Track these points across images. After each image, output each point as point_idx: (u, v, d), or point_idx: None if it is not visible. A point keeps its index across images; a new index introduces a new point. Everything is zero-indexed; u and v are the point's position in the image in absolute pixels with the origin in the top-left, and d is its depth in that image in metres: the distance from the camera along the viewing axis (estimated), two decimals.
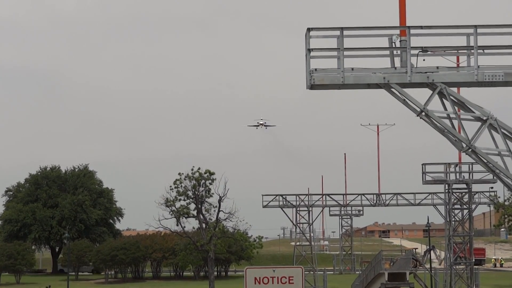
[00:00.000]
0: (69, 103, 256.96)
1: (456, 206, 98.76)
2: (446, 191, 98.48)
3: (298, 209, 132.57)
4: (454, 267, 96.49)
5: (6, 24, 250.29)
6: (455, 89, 35.31)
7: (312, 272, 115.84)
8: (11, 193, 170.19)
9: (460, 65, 35.31)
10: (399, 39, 34.44)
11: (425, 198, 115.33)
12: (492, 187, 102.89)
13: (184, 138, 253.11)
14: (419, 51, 34.64)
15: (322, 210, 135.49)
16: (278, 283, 15.89)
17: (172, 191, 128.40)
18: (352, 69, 34.46)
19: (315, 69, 34.33)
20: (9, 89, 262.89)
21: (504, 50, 34.79)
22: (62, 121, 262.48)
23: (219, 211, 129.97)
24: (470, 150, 35.49)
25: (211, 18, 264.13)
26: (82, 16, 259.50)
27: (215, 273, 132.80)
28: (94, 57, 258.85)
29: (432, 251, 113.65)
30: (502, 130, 34.88)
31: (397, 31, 34.56)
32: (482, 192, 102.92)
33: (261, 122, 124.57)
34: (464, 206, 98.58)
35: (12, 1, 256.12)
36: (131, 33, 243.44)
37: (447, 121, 34.98)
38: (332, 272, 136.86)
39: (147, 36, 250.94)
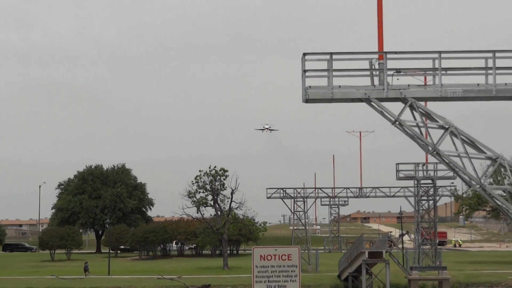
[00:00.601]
0: (110, 114, 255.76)
1: (423, 198, 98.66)
2: (415, 185, 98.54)
3: (295, 200, 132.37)
4: (421, 247, 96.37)
5: (60, 51, 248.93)
6: (423, 103, 35.49)
7: (306, 251, 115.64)
8: (63, 186, 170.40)
9: (427, 83, 35.56)
10: (377, 62, 34.83)
11: (398, 191, 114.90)
12: (452, 182, 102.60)
13: (204, 141, 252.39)
14: (394, 72, 35.01)
15: (315, 201, 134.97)
16: (279, 259, 16.10)
17: (193, 185, 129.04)
18: (339, 86, 34.86)
19: (309, 86, 34.81)
20: (62, 102, 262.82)
21: (462, 71, 35.06)
22: (104, 128, 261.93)
23: (231, 201, 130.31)
24: (435, 152, 35.86)
25: (227, 45, 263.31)
26: (121, 44, 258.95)
27: (228, 251, 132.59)
28: (130, 77, 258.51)
29: (406, 235, 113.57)
30: (461, 136, 35.22)
31: (376, 56, 34.93)
32: (445, 186, 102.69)
33: (266, 127, 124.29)
34: (430, 198, 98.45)
35: (64, 32, 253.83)
36: (160, 57, 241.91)
37: (416, 129, 35.34)
38: (323, 251, 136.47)
39: (175, 58, 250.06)
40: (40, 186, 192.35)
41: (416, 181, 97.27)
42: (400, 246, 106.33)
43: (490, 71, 34.79)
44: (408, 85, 35.20)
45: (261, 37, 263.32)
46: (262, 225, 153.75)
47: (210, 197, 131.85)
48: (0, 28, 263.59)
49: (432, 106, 35.87)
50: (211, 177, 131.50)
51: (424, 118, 35.39)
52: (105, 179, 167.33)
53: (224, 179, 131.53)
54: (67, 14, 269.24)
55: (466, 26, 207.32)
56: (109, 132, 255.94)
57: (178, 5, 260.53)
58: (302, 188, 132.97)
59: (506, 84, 34.97)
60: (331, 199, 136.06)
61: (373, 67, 34.96)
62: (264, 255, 14.78)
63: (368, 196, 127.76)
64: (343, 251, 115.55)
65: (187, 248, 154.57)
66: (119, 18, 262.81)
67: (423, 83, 35.71)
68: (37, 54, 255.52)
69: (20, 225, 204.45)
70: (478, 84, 35.10)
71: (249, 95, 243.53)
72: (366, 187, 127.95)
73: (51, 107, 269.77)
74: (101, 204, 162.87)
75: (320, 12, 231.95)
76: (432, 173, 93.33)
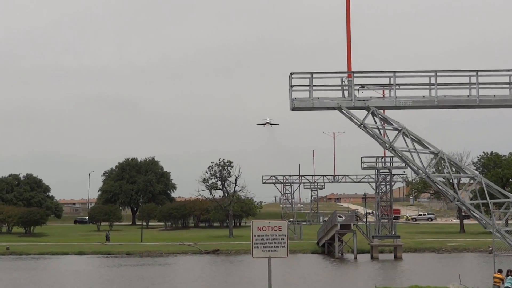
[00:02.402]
0: (142, 118, 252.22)
1: (382, 183, 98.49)
2: (376, 173, 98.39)
3: (284, 184, 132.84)
4: (380, 221, 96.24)
5: (105, 71, 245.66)
6: (382, 111, 35.41)
7: (293, 224, 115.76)
8: (107, 174, 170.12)
9: (385, 95, 35.52)
10: (347, 80, 34.81)
11: (363, 178, 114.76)
12: (404, 171, 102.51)
13: (214, 139, 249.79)
14: (359, 87, 34.99)
15: (299, 185, 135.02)
16: (272, 230, 16.08)
17: (207, 173, 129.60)
18: (318, 98, 34.84)
19: (295, 98, 34.88)
20: (106, 110, 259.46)
21: (412, 86, 35.06)
22: (137, 129, 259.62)
23: (235, 186, 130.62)
24: (391, 148, 35.81)
25: (232, 67, 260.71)
26: (150, 66, 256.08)
27: (233, 223, 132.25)
28: (157, 91, 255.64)
29: (371, 214, 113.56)
30: (410, 136, 35.18)
31: (346, 75, 34.90)
32: (398, 174, 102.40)
33: (267, 121, 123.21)
34: (387, 183, 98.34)
35: (107, 56, 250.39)
36: (179, 76, 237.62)
37: (376, 131, 35.29)
38: (305, 224, 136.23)
39: (190, 77, 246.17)
40: (89, 174, 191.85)
41: (376, 170, 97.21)
42: (364, 220, 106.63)
43: (433, 87, 34.81)
44: (370, 97, 35.19)
45: (257, 61, 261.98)
46: (259, 204, 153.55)
47: (219, 182, 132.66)
48: (61, 54, 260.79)
49: (388, 113, 35.74)
50: (220, 167, 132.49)
51: (382, 122, 35.36)
52: (139, 168, 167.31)
53: (230, 168, 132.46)
54: (110, 42, 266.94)
55: (416, 50, 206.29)
56: (141, 133, 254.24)
57: (194, 38, 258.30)
58: (289, 175, 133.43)
59: (445, 96, 35.00)
60: (311, 184, 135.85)
61: (343, 83, 35.02)
62: (260, 227, 14.74)
63: (339, 182, 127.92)
64: (321, 223, 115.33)
65: (201, 221, 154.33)
66: (149, 46, 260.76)
67: (381, 95, 35.69)
68: (88, 74, 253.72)
69: (74, 204, 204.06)
70: (423, 96, 35.10)
71: (249, 105, 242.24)
72: (338, 175, 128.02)
73: (99, 114, 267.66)
74: (135, 188, 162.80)
75: (304, 40, 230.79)
76: (388, 164, 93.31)
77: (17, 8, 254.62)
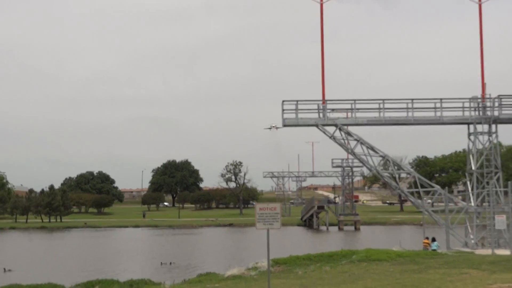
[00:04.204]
0: (179, 130, 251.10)
1: (346, 177, 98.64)
2: (342, 170, 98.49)
3: (279, 178, 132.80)
4: (345, 203, 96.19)
5: (151, 98, 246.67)
6: (345, 127, 35.45)
7: (284, 205, 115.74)
8: (154, 170, 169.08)
9: (348, 116, 35.55)
10: (321, 105, 34.88)
11: (333, 173, 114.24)
12: (361, 169, 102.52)
13: (229, 145, 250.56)
14: (331, 110, 35.06)
15: (288, 178, 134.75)
16: (269, 210, 16.04)
17: (224, 170, 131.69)
18: (301, 118, 34.85)
19: (286, 118, 34.83)
20: (154, 126, 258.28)
21: (368, 111, 35.12)
22: (176, 138, 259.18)
23: (244, 178, 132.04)
24: (352, 152, 35.79)
25: (239, 95, 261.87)
26: (185, 94, 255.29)
27: (243, 205, 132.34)
28: (190, 111, 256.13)
29: (337, 199, 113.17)
30: (365, 144, 35.18)
31: (321, 102, 34.99)
32: (357, 171, 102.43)
33: (273, 125, 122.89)
34: (349, 177, 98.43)
35: (154, 87, 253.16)
36: (206, 101, 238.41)
37: (342, 141, 35.33)
38: (292, 205, 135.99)
39: (212, 104, 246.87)
40: (142, 171, 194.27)
41: (342, 168, 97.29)
42: (334, 203, 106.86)
43: (381, 110, 34.93)
44: (338, 117, 35.29)
45: (258, 91, 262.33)
46: (260, 191, 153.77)
47: (233, 177, 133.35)
48: (123, 86, 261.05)
49: (350, 128, 35.78)
50: (233, 166, 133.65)
51: (346, 135, 35.44)
52: (177, 167, 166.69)
53: (240, 167, 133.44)
54: (156, 76, 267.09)
55: (369, 84, 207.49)
56: (178, 141, 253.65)
57: (213, 75, 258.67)
58: (281, 171, 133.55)
59: (390, 117, 35.08)
60: (297, 178, 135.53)
61: (319, 108, 35.12)
62: (261, 207, 14.86)
63: (316, 176, 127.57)
64: (303, 205, 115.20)
65: (220, 204, 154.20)
66: (183, 80, 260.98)
67: (345, 116, 35.74)
68: (140, 100, 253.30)
69: (132, 192, 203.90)
70: (375, 117, 35.18)
71: (252, 124, 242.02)
72: (315, 171, 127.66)
73: (148, 128, 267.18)
74: (174, 180, 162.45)
75: (292, 78, 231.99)
76: (350, 164, 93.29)
77: (94, 52, 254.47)
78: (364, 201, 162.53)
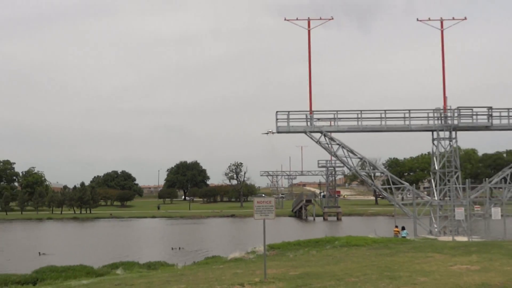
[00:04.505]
0: (190, 136, 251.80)
1: (330, 176, 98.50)
2: (327, 170, 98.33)
3: (273, 177, 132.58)
4: (329, 198, 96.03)
5: (168, 109, 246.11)
6: (329, 134, 35.42)
7: (278, 199, 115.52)
8: (168, 170, 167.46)
9: (332, 124, 35.49)
10: (309, 115, 34.82)
11: (319, 172, 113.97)
12: (342, 168, 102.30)
13: (231, 149, 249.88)
14: (316, 120, 35.00)
15: (281, 177, 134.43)
16: (265, 203, 15.89)
17: (228, 169, 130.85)
18: (292, 126, 34.78)
19: (279, 126, 34.75)
20: (169, 132, 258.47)
21: (348, 120, 35.07)
22: (187, 143, 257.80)
23: (244, 177, 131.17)
24: (334, 155, 35.72)
25: (240, 106, 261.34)
26: (194, 106, 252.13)
27: (243, 199, 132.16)
28: (199, 121, 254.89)
29: (323, 194, 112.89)
30: (346, 148, 35.11)
31: (308, 112, 34.92)
32: (339, 170, 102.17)
33: (270, 130, 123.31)
34: (332, 175, 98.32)
35: (168, 100, 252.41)
36: (213, 112, 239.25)
37: (326, 145, 35.24)
38: (284, 199, 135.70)
39: (218, 115, 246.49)
40: (159, 170, 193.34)
41: (326, 168, 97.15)
42: (319, 197, 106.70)
43: (359, 120, 34.89)
44: (323, 125, 35.22)
45: (255, 103, 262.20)
46: (258, 187, 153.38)
47: (235, 175, 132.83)
48: (142, 99, 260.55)
49: (334, 135, 35.75)
50: (235, 166, 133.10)
51: (330, 140, 35.38)
52: (188, 167, 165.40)
53: (241, 167, 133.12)
54: (170, 91, 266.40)
55: (350, 98, 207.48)
56: (189, 145, 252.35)
57: (218, 91, 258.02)
58: (276, 171, 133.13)
59: (366, 125, 35.04)
60: (289, 176, 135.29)
61: (307, 118, 35.03)
62: (259, 201, 14.77)
63: (305, 174, 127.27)
64: (294, 199, 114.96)
65: (224, 198, 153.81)
66: (193, 92, 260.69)
67: (329, 124, 35.69)
68: (156, 111, 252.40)
69: (150, 187, 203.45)
70: (354, 125, 35.13)
71: (251, 131, 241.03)
72: (304, 170, 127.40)
73: (164, 134, 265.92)
74: (185, 178, 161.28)
75: (284, 92, 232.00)
76: (333, 164, 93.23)
77: (119, 71, 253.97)
78: (345, 196, 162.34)
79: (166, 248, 42.62)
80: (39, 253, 38.72)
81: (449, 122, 35.05)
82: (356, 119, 35.07)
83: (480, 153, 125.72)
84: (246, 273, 15.63)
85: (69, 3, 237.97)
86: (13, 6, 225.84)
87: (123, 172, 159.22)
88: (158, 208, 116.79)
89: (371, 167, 37.13)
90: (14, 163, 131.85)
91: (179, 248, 41.06)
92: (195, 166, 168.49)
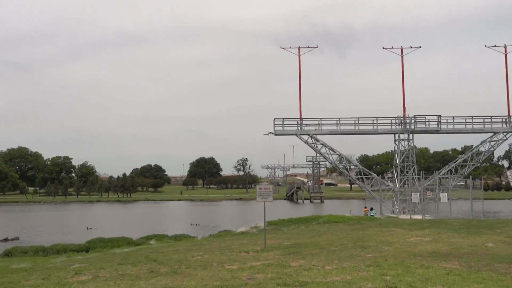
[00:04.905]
0: (206, 138, 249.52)
1: (315, 169, 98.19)
2: (313, 163, 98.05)
3: (271, 169, 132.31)
4: (314, 185, 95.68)
5: (188, 116, 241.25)
6: (315, 136, 35.33)
7: (275, 186, 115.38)
8: (191, 164, 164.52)
9: (317, 128, 35.40)
10: (299, 121, 34.67)
11: (307, 165, 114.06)
12: (325, 162, 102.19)
13: (238, 147, 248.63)
14: (305, 125, 34.88)
15: (278, 169, 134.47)
16: (266, 189, 15.80)
17: (237, 163, 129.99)
18: (286, 129, 34.67)
19: (276, 130, 34.64)
20: (189, 134, 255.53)
21: (329, 125, 34.98)
22: (204, 143, 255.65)
23: (249, 169, 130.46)
24: (319, 152, 35.60)
25: (246, 115, 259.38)
26: (209, 114, 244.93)
27: (248, 186, 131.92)
28: (214, 126, 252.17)
29: (309, 182, 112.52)
30: (328, 147, 34.99)
31: (298, 119, 34.80)
32: (323, 164, 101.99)
33: (270, 132, 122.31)
34: (317, 168, 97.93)
35: (190, 109, 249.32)
36: (225, 120, 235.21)
37: (313, 145, 35.14)
38: (280, 186, 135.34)
39: (228, 123, 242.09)
40: (183, 164, 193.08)
41: (312, 162, 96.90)
42: (307, 185, 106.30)
43: (338, 125, 34.76)
44: (310, 129, 35.15)
45: (257, 112, 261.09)
46: (260, 177, 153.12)
47: (242, 168, 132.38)
48: (170, 109, 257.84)
49: (319, 137, 35.64)
50: (242, 161, 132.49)
51: (315, 141, 35.30)
52: (205, 161, 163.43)
53: (246, 161, 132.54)
54: (191, 102, 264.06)
55: (330, 107, 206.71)
56: (206, 145, 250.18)
57: (225, 103, 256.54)
58: (272, 165, 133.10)
59: (344, 129, 34.94)
60: (283, 168, 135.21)
61: (298, 123, 34.94)
62: (261, 187, 14.69)
63: (296, 167, 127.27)
64: (287, 186, 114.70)
65: (233, 185, 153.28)
66: (209, 104, 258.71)
67: (315, 128, 35.62)
68: (181, 118, 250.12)
69: (176, 177, 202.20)
70: (334, 129, 35.01)
71: (255, 134, 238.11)
72: (295, 164, 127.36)
73: (186, 137, 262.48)
74: (203, 170, 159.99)
75: (281, 100, 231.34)
76: (318, 159, 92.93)
77: (151, 87, 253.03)
78: (327, 184, 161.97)
79: (188, 224, 42.62)
80: (87, 227, 38.74)
81: (408, 127, 35.00)
82: (335, 124, 35.01)
83: (431, 151, 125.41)
84: (250, 243, 15.65)
85: (114, 37, 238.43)
86: (75, 38, 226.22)
87: (155, 165, 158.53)
88: (181, 193, 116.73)
89: (347, 162, 37.11)
90: (72, 159, 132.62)
91: (196, 224, 41.05)
92: (211, 160, 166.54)
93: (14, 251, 21.67)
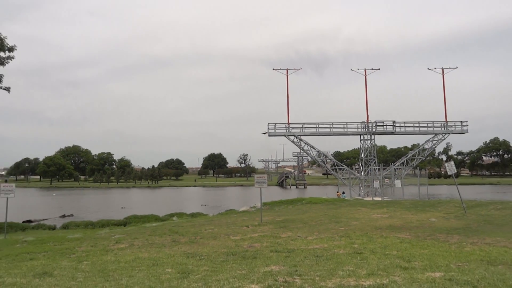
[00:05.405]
0: (218, 137, 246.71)
1: (300, 162, 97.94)
2: (298, 158, 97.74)
3: (266, 162, 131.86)
4: (299, 174, 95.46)
5: (205, 122, 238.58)
6: (300, 136, 35.14)
7: (269, 176, 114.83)
8: (203, 158, 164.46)
9: (301, 131, 35.24)
10: (287, 125, 34.47)
11: (293, 159, 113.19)
12: (307, 157, 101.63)
13: (240, 145, 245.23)
14: (292, 128, 34.71)
15: (271, 162, 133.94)
16: (262, 178, 15.64)
17: (239, 158, 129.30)
18: (277, 131, 34.49)
19: (269, 131, 34.41)
20: (204, 135, 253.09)
21: (310, 128, 34.81)
22: (215, 141, 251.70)
23: (249, 162, 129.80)
24: (302, 149, 35.44)
25: (246, 120, 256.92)
26: (219, 120, 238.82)
27: (248, 175, 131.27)
28: (225, 129, 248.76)
29: (295, 172, 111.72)
30: (309, 145, 34.79)
31: (287, 123, 34.61)
32: (305, 158, 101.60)
33: (265, 132, 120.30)
34: (301, 161, 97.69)
35: (210, 116, 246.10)
36: (234, 123, 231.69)
37: (298, 143, 34.97)
38: (273, 175, 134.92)
39: (236, 125, 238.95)
40: (198, 158, 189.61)
41: (297, 156, 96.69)
42: (293, 174, 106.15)
43: (317, 128, 34.65)
44: (296, 132, 34.95)
45: (255, 118, 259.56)
46: (257, 168, 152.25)
47: (243, 161, 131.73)
48: (187, 116, 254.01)
49: (302, 137, 35.39)
50: (243, 156, 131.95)
51: (299, 141, 35.17)
52: (215, 157, 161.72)
53: (247, 156, 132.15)
54: (205, 110, 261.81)
55: (312, 114, 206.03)
56: (216, 144, 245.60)
57: (233, 110, 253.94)
58: (267, 159, 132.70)
59: (322, 131, 34.79)
60: (275, 161, 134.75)
61: (286, 127, 34.78)
62: (258, 176, 14.58)
63: (285, 160, 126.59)
64: (278, 176, 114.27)
65: (237, 175, 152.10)
66: (218, 111, 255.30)
67: (299, 130, 35.47)
68: (196, 123, 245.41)
69: (193, 169, 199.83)
70: (314, 131, 34.86)
71: (253, 134, 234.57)
72: (285, 158, 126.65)
73: (201, 137, 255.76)
74: (214, 163, 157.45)
75: (273, 109, 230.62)
76: (302, 155, 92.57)
77: (173, 99, 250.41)
78: (309, 174, 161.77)
79: (200, 204, 42.50)
80: (121, 207, 38.62)
81: (370, 129, 35.02)
82: (315, 128, 34.87)
83: (388, 148, 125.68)
84: (250, 219, 15.64)
85: (145, 61, 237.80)
86: (116, 62, 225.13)
87: (177, 159, 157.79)
88: (195, 181, 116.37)
89: (324, 156, 37.05)
90: (113, 154, 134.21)
91: (205, 204, 40.99)
92: (219, 155, 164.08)
93: (70, 224, 22.00)
